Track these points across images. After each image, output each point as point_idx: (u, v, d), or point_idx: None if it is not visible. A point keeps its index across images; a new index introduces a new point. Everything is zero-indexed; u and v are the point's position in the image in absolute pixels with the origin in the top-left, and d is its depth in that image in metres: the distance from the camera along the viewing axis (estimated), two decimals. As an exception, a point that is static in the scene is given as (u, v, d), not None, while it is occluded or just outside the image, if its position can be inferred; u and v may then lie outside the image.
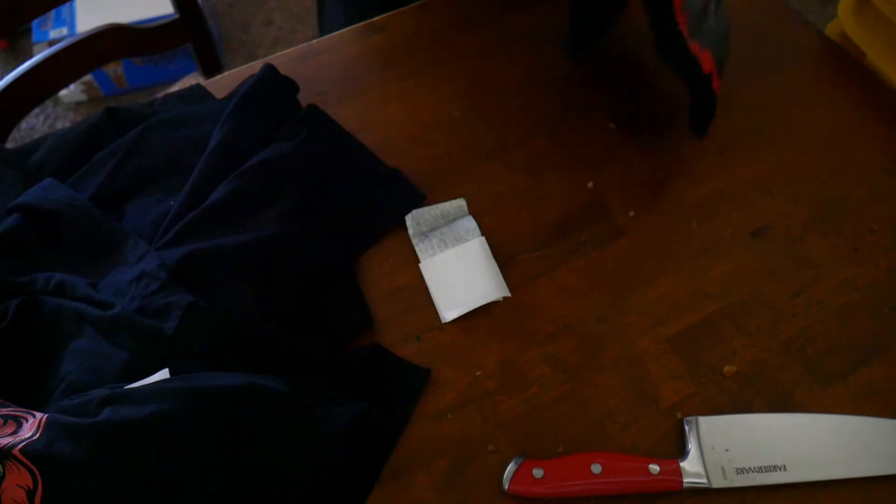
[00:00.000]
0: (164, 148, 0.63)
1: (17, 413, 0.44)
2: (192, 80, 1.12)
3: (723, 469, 0.48)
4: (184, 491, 0.43)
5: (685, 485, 0.48)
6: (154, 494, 0.43)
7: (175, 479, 0.43)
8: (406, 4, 0.76)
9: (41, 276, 0.54)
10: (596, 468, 0.48)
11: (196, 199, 0.57)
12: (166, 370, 0.48)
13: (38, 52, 1.03)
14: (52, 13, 1.69)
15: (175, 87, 1.05)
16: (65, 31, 1.66)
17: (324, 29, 0.94)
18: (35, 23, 1.67)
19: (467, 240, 0.59)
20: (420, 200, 0.62)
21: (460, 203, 0.62)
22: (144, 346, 0.49)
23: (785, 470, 0.49)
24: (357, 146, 0.65)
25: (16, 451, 0.40)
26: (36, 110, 1.68)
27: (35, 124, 1.71)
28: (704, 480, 0.48)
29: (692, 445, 0.49)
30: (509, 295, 0.57)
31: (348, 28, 0.75)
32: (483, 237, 0.60)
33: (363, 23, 0.75)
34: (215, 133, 0.61)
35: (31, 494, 0.40)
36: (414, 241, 0.60)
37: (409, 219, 0.61)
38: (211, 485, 0.44)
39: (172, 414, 0.43)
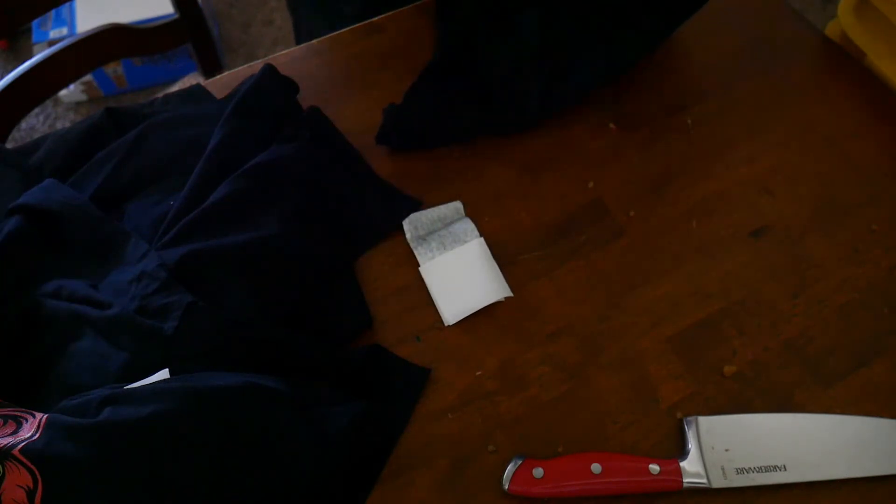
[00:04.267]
0: (163, 148, 0.63)
1: (16, 413, 0.44)
2: (192, 80, 1.12)
3: (723, 469, 0.48)
4: (184, 491, 0.43)
5: (685, 485, 0.48)
6: (154, 495, 0.43)
7: (175, 480, 0.43)
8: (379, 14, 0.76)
9: (41, 280, 0.54)
10: (596, 468, 0.48)
11: (196, 200, 0.57)
12: (166, 370, 0.48)
13: (38, 52, 1.03)
14: (52, 13, 1.69)
15: (175, 87, 1.05)
16: (65, 31, 1.66)
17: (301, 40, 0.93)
18: (35, 23, 1.67)
19: (466, 241, 0.59)
20: (416, 207, 0.62)
21: (457, 205, 0.62)
22: (144, 346, 0.49)
23: (785, 470, 0.49)
24: (356, 156, 0.65)
25: (16, 452, 0.40)
26: (36, 110, 1.68)
27: (35, 124, 1.71)
28: (704, 480, 0.48)
29: (692, 445, 0.49)
30: (511, 295, 0.57)
31: (348, 28, 0.75)
32: (482, 238, 0.60)
33: (363, 23, 0.75)
34: (215, 133, 0.61)
35: (31, 494, 0.40)
36: (412, 245, 0.60)
37: (406, 223, 0.61)
38: (211, 485, 0.44)
39: (172, 414, 0.43)
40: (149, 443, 0.43)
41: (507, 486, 0.48)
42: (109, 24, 0.97)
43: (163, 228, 0.56)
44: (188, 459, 0.44)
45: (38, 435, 0.42)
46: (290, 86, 0.67)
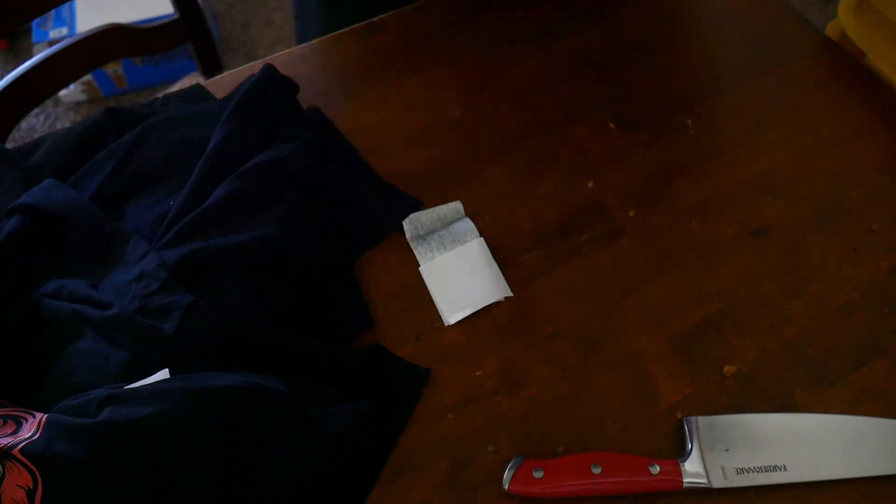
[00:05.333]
0: (163, 148, 0.63)
1: (16, 413, 0.44)
2: (192, 80, 1.12)
3: (723, 469, 0.48)
4: (184, 491, 0.43)
5: (685, 485, 0.48)
6: (155, 494, 0.43)
7: (175, 479, 0.43)
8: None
9: (41, 280, 0.54)
10: (596, 468, 0.48)
11: (196, 199, 0.57)
12: (166, 370, 0.47)
13: (38, 52, 1.03)
14: (52, 13, 1.69)
15: (175, 87, 1.05)
16: (65, 31, 1.66)
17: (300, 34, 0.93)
18: (35, 23, 1.67)
19: (466, 241, 0.59)
20: (416, 207, 0.62)
21: (457, 206, 0.62)
22: (144, 346, 0.49)
23: (785, 470, 0.49)
24: (356, 156, 0.65)
25: (16, 452, 0.40)
26: (36, 110, 1.68)
27: (35, 124, 1.71)
28: (704, 480, 0.48)
29: (692, 445, 0.49)
30: (511, 295, 0.57)
31: (348, 28, 0.75)
32: (482, 238, 0.60)
33: (363, 23, 0.75)
34: (215, 133, 0.61)
35: (31, 494, 0.40)
36: (412, 245, 0.60)
37: (406, 223, 0.61)
38: (211, 485, 0.44)
39: (173, 414, 0.43)
40: (149, 442, 0.43)
41: (507, 486, 0.48)
42: (109, 24, 0.97)
43: (163, 228, 0.56)
44: (188, 459, 0.44)
45: (37, 435, 0.42)
46: (290, 86, 0.67)
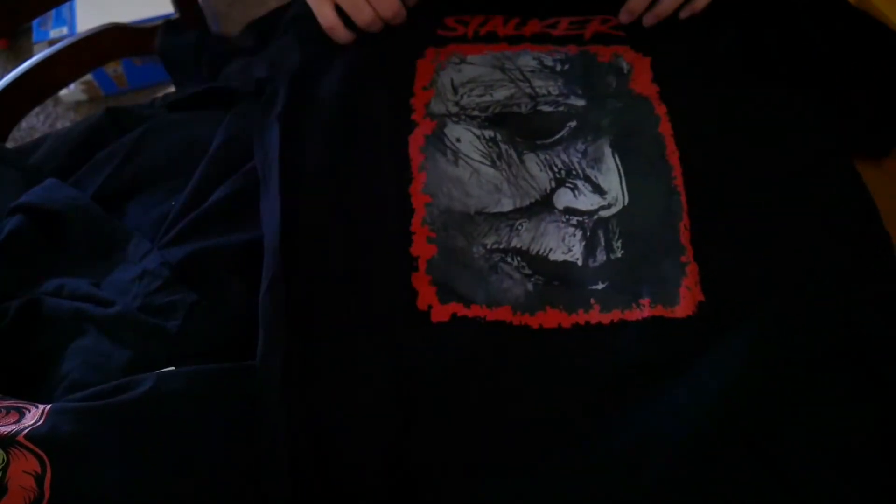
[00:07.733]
0: (165, 148, 0.63)
1: (19, 405, 0.44)
2: (192, 79, 1.11)
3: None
4: (198, 465, 0.43)
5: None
6: (168, 469, 0.42)
7: (188, 455, 0.43)
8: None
9: (43, 280, 0.54)
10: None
11: (198, 199, 0.57)
12: (172, 369, 0.47)
13: (38, 52, 1.03)
14: (52, 13, 1.69)
15: (175, 87, 1.05)
16: (65, 30, 1.66)
17: None
18: (35, 23, 1.67)
19: None
20: None
21: None
22: (148, 344, 0.49)
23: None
24: None
25: (20, 438, 0.39)
26: (36, 110, 1.68)
27: (35, 124, 1.71)
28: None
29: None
30: None
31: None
32: None
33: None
34: (218, 133, 0.61)
35: (39, 479, 0.39)
36: None
37: None
38: (224, 458, 0.44)
39: (178, 388, 0.44)
40: (158, 416, 0.43)
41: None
42: (109, 24, 0.96)
43: (164, 228, 0.56)
44: (200, 434, 0.44)
45: (41, 421, 0.41)
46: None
